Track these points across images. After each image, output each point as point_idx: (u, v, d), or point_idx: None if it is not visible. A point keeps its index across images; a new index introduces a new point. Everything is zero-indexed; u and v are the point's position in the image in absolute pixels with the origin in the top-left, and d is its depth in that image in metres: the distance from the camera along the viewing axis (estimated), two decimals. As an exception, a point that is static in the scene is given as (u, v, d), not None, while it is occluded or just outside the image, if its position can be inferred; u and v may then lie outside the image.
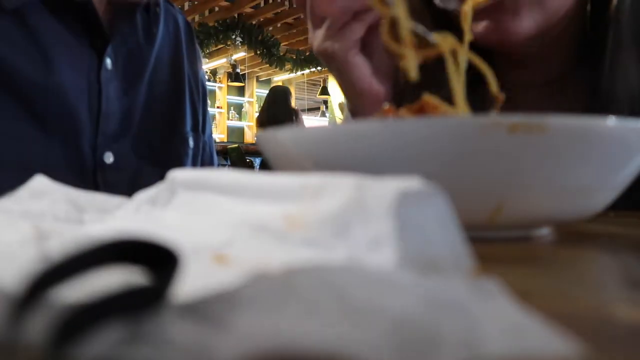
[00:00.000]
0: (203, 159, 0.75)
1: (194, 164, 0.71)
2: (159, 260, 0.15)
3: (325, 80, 8.61)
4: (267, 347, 0.12)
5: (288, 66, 6.92)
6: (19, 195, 0.28)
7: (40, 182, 0.29)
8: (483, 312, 0.14)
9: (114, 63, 0.62)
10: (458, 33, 0.73)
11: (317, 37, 0.54)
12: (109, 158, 0.60)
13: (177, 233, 0.22)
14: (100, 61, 0.60)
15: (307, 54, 6.87)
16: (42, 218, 0.25)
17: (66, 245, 0.15)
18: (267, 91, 5.61)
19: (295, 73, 7.44)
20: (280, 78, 8.88)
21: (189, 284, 0.15)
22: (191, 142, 0.72)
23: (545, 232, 0.35)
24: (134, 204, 0.29)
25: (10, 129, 0.54)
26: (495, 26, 0.54)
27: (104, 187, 0.57)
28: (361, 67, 0.52)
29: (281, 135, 0.34)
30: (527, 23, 0.54)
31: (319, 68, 7.22)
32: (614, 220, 0.46)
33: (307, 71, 7.46)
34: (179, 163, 0.69)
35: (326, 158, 0.32)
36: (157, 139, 0.67)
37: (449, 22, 0.62)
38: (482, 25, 0.55)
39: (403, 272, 0.17)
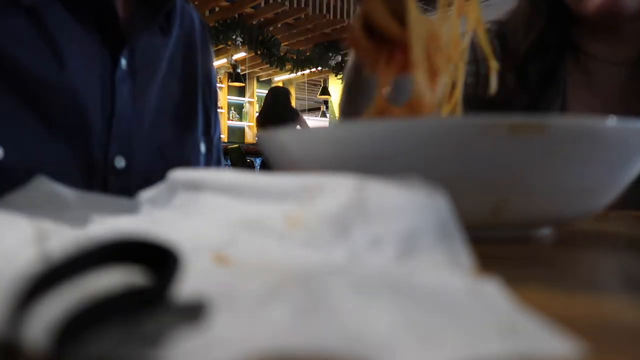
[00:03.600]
0: (213, 163, 0.74)
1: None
2: (159, 260, 0.15)
3: (325, 81, 8.61)
4: (266, 347, 0.12)
5: (288, 66, 6.92)
6: (20, 196, 0.28)
7: (41, 183, 0.29)
8: (483, 312, 0.14)
9: (128, 63, 0.59)
10: (574, 24, 0.77)
11: None
12: (120, 162, 0.58)
13: (177, 233, 0.22)
14: (114, 61, 0.58)
15: (308, 54, 6.87)
16: (42, 218, 0.25)
17: (66, 245, 0.15)
18: (267, 91, 5.61)
19: (296, 73, 7.44)
20: (280, 78, 8.87)
21: (189, 284, 0.15)
22: (203, 147, 0.70)
23: (545, 232, 0.35)
24: (134, 204, 0.29)
25: (18, 130, 0.52)
26: (609, 2, 0.68)
27: (114, 192, 0.55)
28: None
29: (282, 135, 0.34)
30: (633, 2, 0.68)
31: (319, 68, 7.22)
32: (614, 220, 0.46)
33: (307, 71, 7.46)
34: (190, 168, 0.66)
35: (326, 158, 0.32)
36: (168, 142, 0.64)
37: (566, 14, 0.75)
38: (598, 2, 0.69)
39: (403, 273, 0.17)
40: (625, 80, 0.76)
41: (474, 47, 0.83)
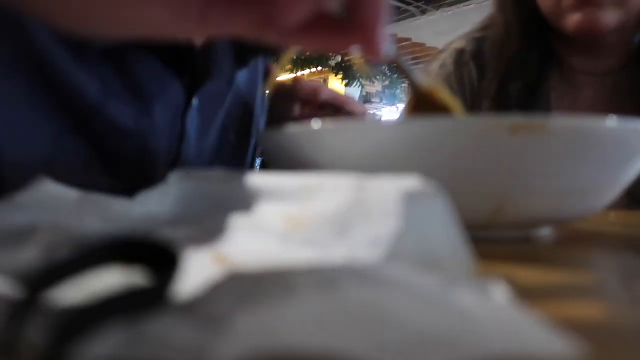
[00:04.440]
0: None
1: None
2: (159, 260, 0.15)
3: (325, 81, 8.62)
4: (266, 347, 0.12)
5: (289, 67, 6.92)
6: (21, 196, 0.28)
7: (42, 183, 0.29)
8: (483, 312, 0.14)
9: (200, 102, 0.55)
10: (551, 34, 0.76)
11: None
12: None
13: (177, 233, 0.22)
14: (188, 100, 0.54)
15: (308, 54, 6.87)
16: (43, 218, 0.25)
17: (67, 245, 0.15)
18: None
19: (296, 73, 7.45)
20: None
21: (190, 284, 0.15)
22: None
23: (545, 232, 0.35)
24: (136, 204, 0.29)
25: (81, 172, 0.48)
26: (587, 19, 0.68)
27: None
28: None
29: (281, 135, 0.34)
30: (612, 17, 0.68)
31: (319, 68, 7.22)
32: (614, 220, 0.46)
33: (307, 71, 7.47)
34: None
35: (326, 158, 0.32)
36: None
37: (541, 25, 0.74)
38: (576, 18, 0.68)
39: (403, 272, 0.17)
40: (609, 90, 0.75)
41: (448, 81, 0.80)
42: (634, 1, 0.68)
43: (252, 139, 0.66)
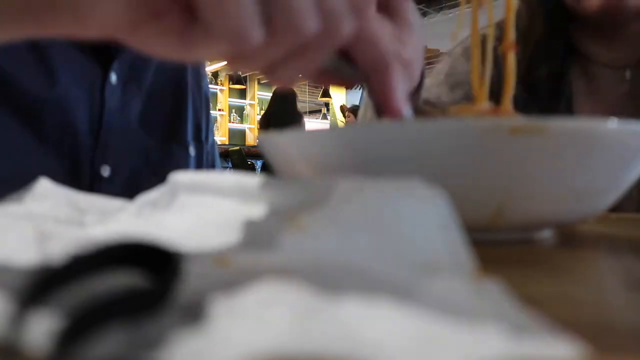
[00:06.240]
0: (206, 168, 0.73)
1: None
2: (160, 263, 0.15)
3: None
4: (267, 349, 0.12)
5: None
6: (21, 198, 0.28)
7: (42, 185, 0.30)
8: (484, 314, 0.14)
9: (118, 77, 0.60)
10: (572, 25, 0.76)
11: None
12: (105, 171, 0.58)
13: (178, 236, 0.22)
14: (104, 75, 0.59)
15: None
16: (44, 220, 0.25)
17: (68, 248, 0.15)
18: (268, 93, 5.59)
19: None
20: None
21: (190, 286, 0.15)
22: (192, 151, 0.69)
23: (546, 234, 0.35)
24: (135, 206, 0.29)
25: (4, 140, 0.53)
26: (610, 1, 0.67)
27: None
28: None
29: (283, 138, 0.34)
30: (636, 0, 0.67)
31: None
32: (615, 222, 0.46)
33: (308, 74, 7.45)
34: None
35: (327, 160, 0.32)
36: (155, 149, 0.65)
37: (564, 16, 0.75)
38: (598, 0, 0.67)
39: (403, 274, 0.17)
40: (629, 84, 0.75)
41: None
42: None
43: (186, 111, 0.70)
